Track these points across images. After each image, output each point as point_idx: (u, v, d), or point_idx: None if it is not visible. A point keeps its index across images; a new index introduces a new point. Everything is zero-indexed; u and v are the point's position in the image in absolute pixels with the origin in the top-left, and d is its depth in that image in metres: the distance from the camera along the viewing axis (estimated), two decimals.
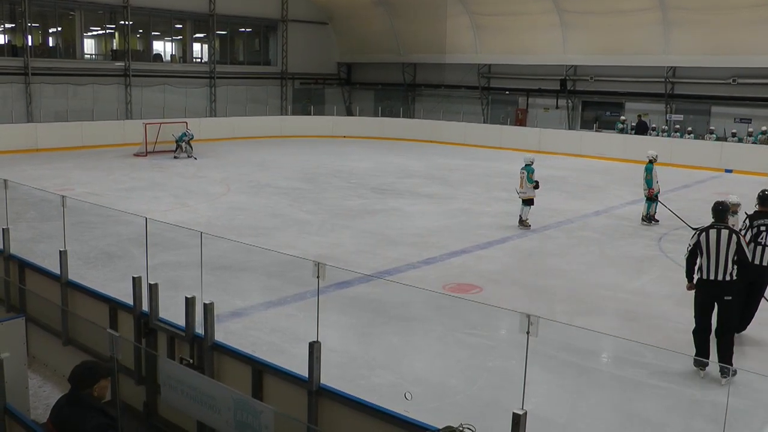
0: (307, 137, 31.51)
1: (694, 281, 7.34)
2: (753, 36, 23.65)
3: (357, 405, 5.01)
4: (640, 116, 27.42)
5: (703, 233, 7.28)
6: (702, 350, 7.15)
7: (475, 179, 20.59)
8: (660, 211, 14.53)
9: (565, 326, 7.40)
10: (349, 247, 12.24)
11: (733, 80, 25.01)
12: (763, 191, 8.27)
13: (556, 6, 27.81)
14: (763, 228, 7.98)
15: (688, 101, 26.79)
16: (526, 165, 13.98)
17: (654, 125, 26.88)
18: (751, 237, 7.95)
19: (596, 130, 28.42)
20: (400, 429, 4.72)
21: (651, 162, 14.34)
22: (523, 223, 13.90)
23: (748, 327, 8.21)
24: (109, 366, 4.53)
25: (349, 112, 36.03)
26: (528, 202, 13.93)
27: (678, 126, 26.43)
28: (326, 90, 37.48)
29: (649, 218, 14.45)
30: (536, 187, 13.91)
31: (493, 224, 14.18)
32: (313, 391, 5.17)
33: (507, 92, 32.06)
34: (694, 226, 13.85)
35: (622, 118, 27.80)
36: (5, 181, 9.06)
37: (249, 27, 35.25)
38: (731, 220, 8.60)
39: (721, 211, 7.43)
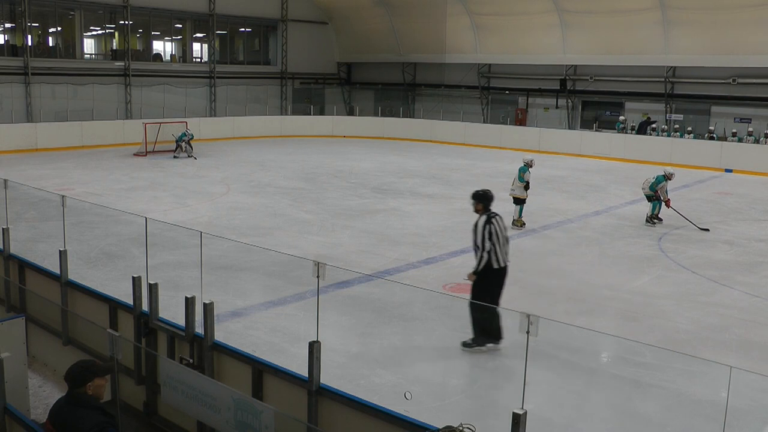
0: (307, 137, 31.52)
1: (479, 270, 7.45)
2: (753, 36, 23.66)
3: (357, 405, 5.01)
4: (649, 118, 27.30)
5: (494, 222, 7.48)
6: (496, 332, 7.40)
7: (476, 179, 20.57)
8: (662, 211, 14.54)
9: (565, 326, 7.40)
10: (350, 247, 12.24)
11: (733, 80, 25.01)
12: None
13: (556, 6, 27.81)
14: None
15: (688, 101, 26.79)
16: (523, 164, 14.06)
17: (654, 126, 26.86)
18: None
19: (596, 130, 28.42)
20: (400, 429, 4.72)
21: (665, 177, 14.27)
22: (514, 222, 13.89)
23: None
24: (107, 365, 4.52)
25: (351, 112, 36.03)
26: (517, 201, 13.93)
27: (678, 126, 26.44)
28: (326, 90, 37.49)
29: (653, 219, 14.38)
30: (526, 187, 13.87)
31: None
32: (313, 390, 5.17)
33: (507, 92, 32.06)
34: (701, 226, 13.96)
35: (622, 117, 27.79)
36: (5, 180, 9.07)
37: (249, 27, 35.24)
38: None
39: (492, 198, 7.76)
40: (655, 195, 14.25)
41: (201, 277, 6.92)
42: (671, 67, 26.51)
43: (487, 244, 7.41)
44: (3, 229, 8.69)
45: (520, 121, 31.29)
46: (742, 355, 7.81)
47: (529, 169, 14.08)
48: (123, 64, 29.66)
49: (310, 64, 35.95)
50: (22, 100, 26.95)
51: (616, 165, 24.54)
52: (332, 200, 16.52)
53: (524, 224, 13.87)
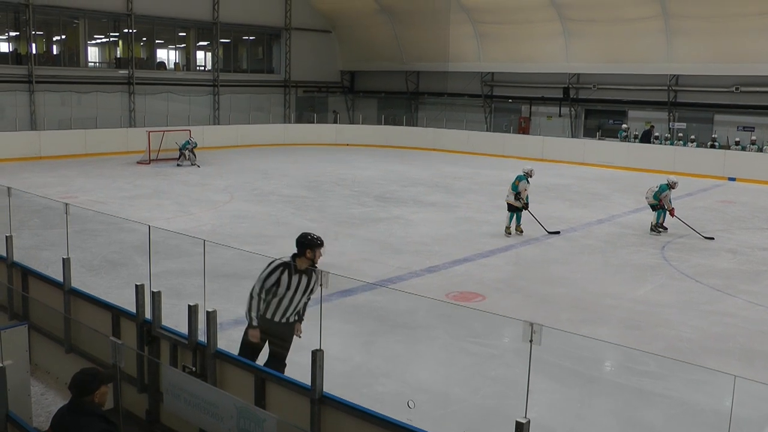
0: (310, 145, 31.58)
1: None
2: (756, 44, 23.67)
3: (360, 413, 4.99)
4: (652, 126, 27.26)
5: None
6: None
7: (479, 187, 20.59)
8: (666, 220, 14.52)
9: (569, 334, 7.38)
10: (353, 255, 12.23)
11: (736, 88, 25.01)
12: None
13: (559, 14, 27.86)
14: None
15: (691, 109, 26.79)
16: (521, 173, 14.03)
17: (657, 133, 26.86)
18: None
19: (599, 138, 28.43)
20: None
21: (668, 185, 14.28)
22: (507, 230, 13.85)
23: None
24: (109, 372, 4.53)
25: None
26: (511, 208, 13.90)
27: (681, 134, 26.44)
28: (329, 98, 37.58)
29: (658, 227, 14.36)
30: (516, 198, 13.81)
31: (496, 232, 14.17)
32: (316, 399, 5.15)
33: (510, 100, 32.10)
34: (705, 235, 13.92)
35: (625, 126, 27.79)
36: (9, 188, 9.08)
37: (252, 35, 35.37)
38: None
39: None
40: (659, 204, 14.24)
41: (204, 285, 6.91)
42: (674, 75, 26.53)
43: None
44: (6, 236, 8.69)
45: (524, 130, 31.31)
46: (745, 363, 7.78)
47: (528, 179, 13.97)
48: (127, 72, 29.76)
49: (313, 72, 36.04)
50: (26, 108, 27.02)
51: (620, 173, 24.53)
52: (335, 208, 16.53)
53: (522, 231, 13.87)
